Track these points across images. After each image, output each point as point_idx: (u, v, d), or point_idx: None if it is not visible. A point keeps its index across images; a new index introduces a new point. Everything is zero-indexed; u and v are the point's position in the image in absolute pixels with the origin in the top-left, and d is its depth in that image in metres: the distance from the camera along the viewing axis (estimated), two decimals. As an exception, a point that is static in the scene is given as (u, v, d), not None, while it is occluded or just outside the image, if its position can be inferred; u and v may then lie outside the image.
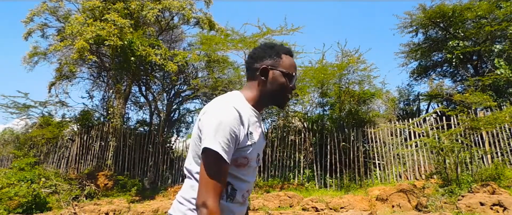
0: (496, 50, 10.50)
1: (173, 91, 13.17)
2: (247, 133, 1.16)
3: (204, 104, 13.66)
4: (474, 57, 11.86)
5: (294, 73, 1.26)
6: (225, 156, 1.08)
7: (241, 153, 1.16)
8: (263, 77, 1.25)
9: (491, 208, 5.30)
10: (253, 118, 1.22)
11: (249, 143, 1.17)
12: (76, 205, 7.10)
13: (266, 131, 11.54)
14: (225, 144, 1.08)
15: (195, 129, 1.21)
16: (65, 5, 11.43)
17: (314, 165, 9.49)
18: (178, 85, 13.01)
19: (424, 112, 12.75)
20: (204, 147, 1.09)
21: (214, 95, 11.41)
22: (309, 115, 11.76)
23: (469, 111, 8.18)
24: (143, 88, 13.22)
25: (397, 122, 9.49)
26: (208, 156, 1.09)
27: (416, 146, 8.56)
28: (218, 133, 1.08)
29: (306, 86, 10.01)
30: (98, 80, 14.22)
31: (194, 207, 1.13)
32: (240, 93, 1.26)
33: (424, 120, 9.15)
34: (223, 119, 1.10)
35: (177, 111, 13.75)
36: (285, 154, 10.17)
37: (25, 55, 12.21)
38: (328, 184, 9.12)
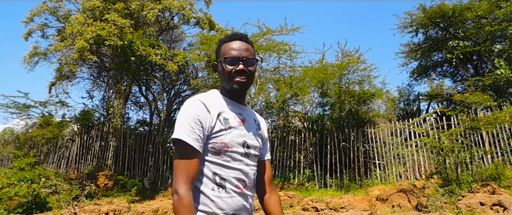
0: (496, 50, 10.50)
1: (173, 91, 13.17)
2: (218, 118, 1.21)
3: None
4: (474, 57, 11.86)
5: (228, 56, 1.26)
6: (190, 142, 1.13)
7: (216, 139, 1.19)
8: (216, 73, 1.35)
9: (491, 208, 5.30)
10: (226, 107, 1.27)
11: (222, 127, 1.21)
12: (76, 205, 7.10)
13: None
14: (189, 131, 1.14)
15: None
16: (65, 5, 11.43)
17: (314, 165, 9.49)
18: (178, 85, 13.00)
19: (424, 112, 12.76)
20: (171, 139, 1.18)
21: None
22: (309, 115, 11.76)
23: (469, 111, 8.17)
24: (143, 88, 13.21)
25: (397, 122, 9.48)
26: (176, 145, 1.16)
27: (416, 146, 8.56)
28: (182, 123, 1.16)
29: (306, 86, 10.01)
30: (98, 80, 14.22)
31: (196, 206, 1.17)
32: (215, 90, 1.35)
33: (424, 120, 9.15)
34: (186, 111, 1.18)
35: (177, 111, 13.75)
36: (285, 154, 10.16)
37: (25, 55, 12.22)
38: (328, 184, 9.12)
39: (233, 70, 1.25)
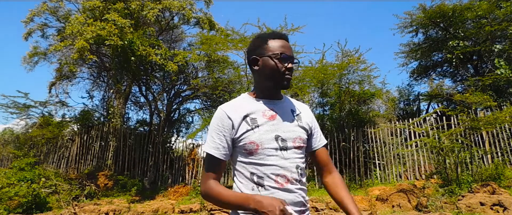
0: (496, 50, 10.50)
1: (173, 91, 13.17)
2: (244, 121, 1.25)
3: (204, 104, 13.83)
4: (474, 57, 11.86)
5: (283, 53, 1.28)
6: (210, 151, 1.25)
7: (245, 140, 1.23)
8: (255, 67, 1.33)
9: (491, 208, 5.30)
10: (253, 107, 1.29)
11: (248, 128, 1.24)
12: (76, 205, 7.10)
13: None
14: (210, 141, 1.27)
15: None
16: (65, 5, 11.43)
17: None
18: (178, 85, 13.00)
19: (424, 112, 12.76)
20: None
21: (214, 95, 11.41)
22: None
23: (469, 111, 8.18)
24: (143, 88, 13.21)
25: (397, 122, 9.48)
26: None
27: (416, 146, 8.56)
28: (208, 135, 1.30)
29: (306, 86, 10.00)
30: (98, 80, 14.22)
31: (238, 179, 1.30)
32: (244, 93, 1.38)
33: (424, 120, 9.15)
34: (211, 122, 1.30)
35: (177, 111, 13.74)
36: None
37: (25, 55, 12.23)
38: (328, 184, 9.10)
39: (285, 68, 1.28)
